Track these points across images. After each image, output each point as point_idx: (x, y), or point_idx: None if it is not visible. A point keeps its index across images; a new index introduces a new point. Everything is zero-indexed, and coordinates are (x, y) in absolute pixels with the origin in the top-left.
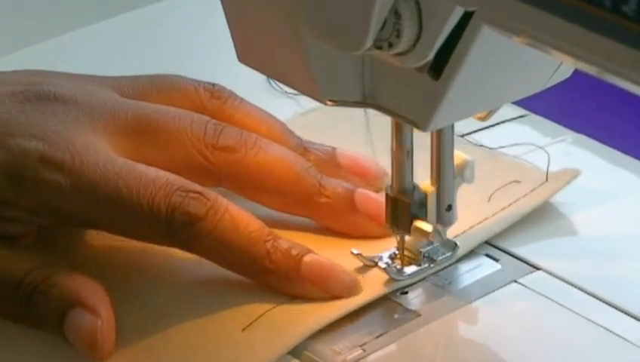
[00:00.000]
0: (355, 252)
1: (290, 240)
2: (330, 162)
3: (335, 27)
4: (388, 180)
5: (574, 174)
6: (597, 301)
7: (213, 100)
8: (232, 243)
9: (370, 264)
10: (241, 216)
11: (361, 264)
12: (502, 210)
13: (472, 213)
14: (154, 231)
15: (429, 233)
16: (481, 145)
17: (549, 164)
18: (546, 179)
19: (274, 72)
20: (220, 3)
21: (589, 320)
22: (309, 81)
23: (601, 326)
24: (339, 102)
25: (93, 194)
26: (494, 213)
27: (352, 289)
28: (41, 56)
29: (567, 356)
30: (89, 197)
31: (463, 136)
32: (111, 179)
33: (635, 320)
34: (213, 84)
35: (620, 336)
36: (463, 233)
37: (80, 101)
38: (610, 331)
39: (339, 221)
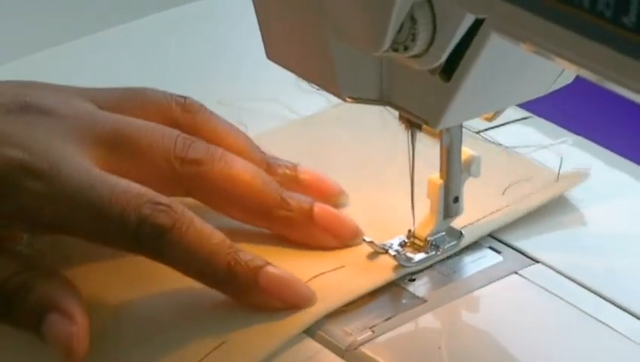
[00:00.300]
0: (368, 239)
1: (251, 252)
2: (291, 177)
3: (356, 30)
4: (344, 198)
5: (584, 175)
6: (593, 294)
7: (184, 114)
8: (196, 253)
9: (381, 251)
10: (204, 228)
11: (372, 250)
12: (508, 206)
13: (483, 205)
14: (124, 239)
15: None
16: (499, 144)
17: (561, 165)
18: (557, 179)
19: (298, 69)
20: (251, 4)
21: (585, 312)
22: (330, 78)
23: (597, 318)
24: (357, 100)
25: (69, 202)
26: (503, 207)
27: (308, 301)
28: (46, 64)
29: (562, 346)
30: (65, 205)
31: (478, 132)
32: (85, 189)
33: (630, 315)
34: (185, 98)
35: (615, 330)
36: (470, 224)
37: (61, 113)
38: (606, 324)
39: (297, 233)
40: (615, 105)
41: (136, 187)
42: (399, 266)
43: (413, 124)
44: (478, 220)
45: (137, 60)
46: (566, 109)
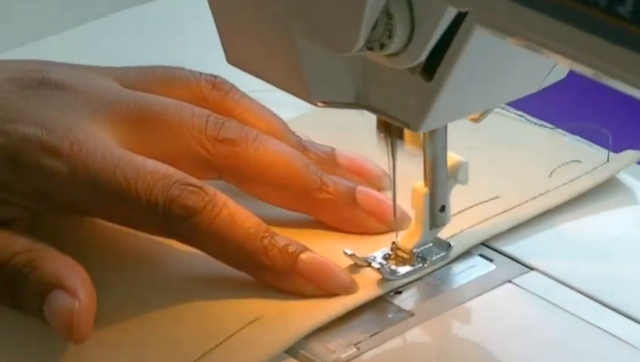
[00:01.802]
0: (349, 252)
1: (287, 237)
2: (329, 161)
3: (326, 28)
4: (386, 180)
5: (636, 156)
6: (591, 301)
7: (214, 92)
8: (228, 237)
9: (364, 264)
10: (239, 211)
11: (353, 263)
12: (556, 187)
13: (531, 187)
14: (151, 222)
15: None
16: (542, 124)
17: (610, 144)
18: (607, 160)
19: (263, 73)
20: None
21: (583, 319)
22: (298, 82)
23: (595, 325)
24: (330, 104)
25: (90, 182)
26: (556, 187)
27: (348, 288)
28: (46, 51)
29: (560, 355)
30: (86, 185)
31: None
32: (109, 169)
33: (627, 319)
34: (215, 76)
35: (613, 335)
36: (527, 201)
37: (81, 89)
38: (604, 330)
39: (338, 217)
40: (609, 102)
41: (164, 167)
42: (384, 280)
43: (393, 133)
44: (533, 198)
45: (150, 44)
46: (559, 106)
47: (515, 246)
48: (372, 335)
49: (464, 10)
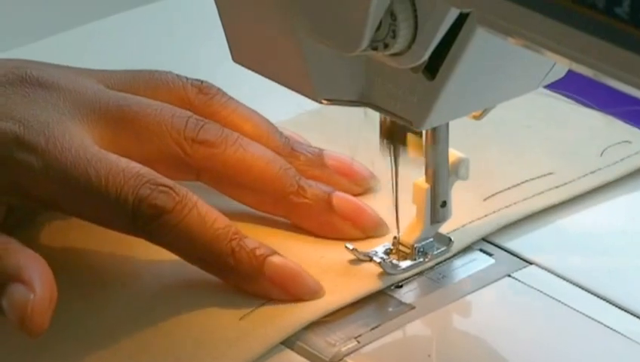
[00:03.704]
0: (350, 247)
1: (257, 240)
2: (317, 163)
3: (331, 28)
4: (375, 182)
5: None
6: (589, 294)
7: (200, 96)
8: (197, 238)
9: (365, 259)
10: (209, 212)
11: (354, 258)
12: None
13: (586, 165)
14: (120, 220)
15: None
16: (592, 107)
17: None
18: None
19: (268, 71)
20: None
21: (581, 313)
22: (304, 79)
23: (593, 318)
24: (334, 101)
25: (62, 178)
26: (607, 165)
27: (315, 294)
28: (40, 53)
29: (559, 349)
30: (59, 180)
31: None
32: (81, 165)
33: (625, 313)
34: (202, 81)
35: (611, 329)
36: (579, 178)
37: (62, 87)
38: (602, 324)
39: (315, 221)
40: (604, 98)
41: (136, 166)
42: (385, 274)
43: (396, 140)
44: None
45: (142, 48)
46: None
47: (515, 241)
48: (372, 329)
49: (466, 11)
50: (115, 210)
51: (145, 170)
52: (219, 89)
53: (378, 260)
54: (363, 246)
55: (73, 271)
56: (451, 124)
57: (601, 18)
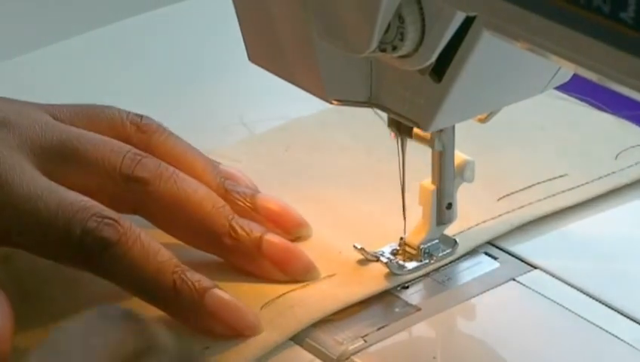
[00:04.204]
0: (358, 246)
1: (198, 273)
2: (248, 206)
3: (341, 30)
4: (306, 230)
5: None
6: (592, 300)
7: (138, 134)
8: (141, 270)
9: (373, 259)
10: (152, 245)
11: (363, 257)
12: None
13: (600, 168)
14: (67, 252)
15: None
16: (605, 110)
17: None
18: None
19: (282, 71)
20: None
21: (584, 318)
22: (315, 80)
23: (596, 324)
24: (344, 102)
25: (15, 212)
26: (621, 168)
27: (254, 329)
28: (40, 61)
29: (561, 353)
30: (11, 214)
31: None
32: (33, 199)
33: (629, 320)
34: (141, 117)
35: (614, 336)
36: (593, 181)
37: (12, 123)
38: (605, 330)
39: (244, 262)
40: (610, 102)
41: (84, 199)
42: (391, 274)
43: (402, 131)
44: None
45: (126, 61)
46: None
47: (520, 246)
48: (379, 329)
49: (472, 14)
50: (62, 243)
51: (92, 203)
52: (159, 125)
53: (385, 260)
54: (370, 246)
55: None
56: (467, 124)
57: (606, 22)
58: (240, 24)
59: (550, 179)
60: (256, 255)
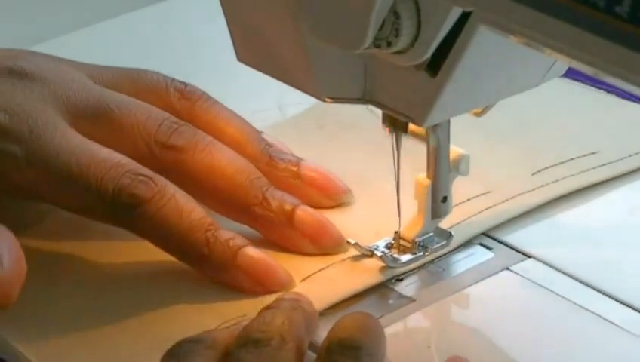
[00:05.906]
0: (352, 241)
1: (232, 231)
2: (292, 173)
3: (335, 26)
4: (349, 196)
5: None
6: (585, 287)
7: (182, 101)
8: (173, 228)
9: (367, 253)
10: (186, 203)
11: (357, 253)
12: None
13: (628, 146)
14: (99, 209)
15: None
16: (634, 100)
17: None
18: None
19: (273, 70)
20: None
21: (578, 305)
22: (308, 78)
23: (590, 310)
24: (338, 99)
25: (44, 167)
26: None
27: (287, 286)
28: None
29: (555, 340)
30: (40, 169)
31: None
32: (63, 154)
33: (622, 305)
34: (186, 84)
35: (607, 320)
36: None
37: (48, 79)
38: (598, 315)
39: (274, 234)
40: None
41: (117, 156)
42: (386, 267)
43: (397, 126)
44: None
45: (137, 52)
46: None
47: (513, 235)
48: None
49: (468, 9)
50: (94, 199)
51: (126, 160)
52: (203, 93)
53: (379, 254)
54: (364, 241)
55: (79, 271)
56: (503, 102)
57: (602, 16)
58: (227, 23)
59: (582, 156)
60: (287, 226)
